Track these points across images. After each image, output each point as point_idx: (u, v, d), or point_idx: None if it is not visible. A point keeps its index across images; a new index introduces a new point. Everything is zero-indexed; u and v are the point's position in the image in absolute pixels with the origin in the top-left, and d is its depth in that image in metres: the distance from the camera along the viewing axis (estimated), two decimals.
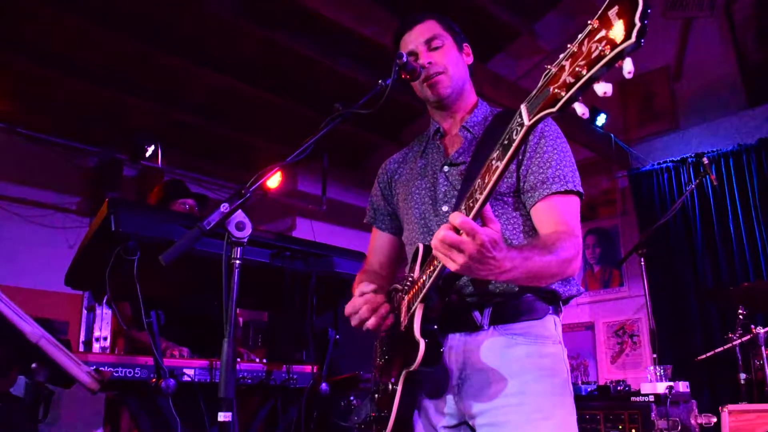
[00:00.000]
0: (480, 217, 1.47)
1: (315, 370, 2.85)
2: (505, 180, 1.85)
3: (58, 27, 5.71)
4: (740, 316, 4.39)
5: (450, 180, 1.95)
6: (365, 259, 2.37)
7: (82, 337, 6.24)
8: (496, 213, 1.84)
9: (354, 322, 1.85)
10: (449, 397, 1.85)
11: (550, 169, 1.82)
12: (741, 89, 6.38)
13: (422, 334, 1.68)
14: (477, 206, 1.45)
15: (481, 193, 1.44)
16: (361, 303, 1.82)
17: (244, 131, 7.43)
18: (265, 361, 2.82)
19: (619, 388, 4.30)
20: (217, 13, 5.72)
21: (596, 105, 6.36)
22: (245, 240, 1.73)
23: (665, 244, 6.42)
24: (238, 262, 1.73)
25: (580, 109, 1.22)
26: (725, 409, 3.81)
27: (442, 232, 1.43)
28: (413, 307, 1.73)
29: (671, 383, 4.03)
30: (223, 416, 1.62)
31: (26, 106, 6.50)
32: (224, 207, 1.69)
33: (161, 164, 6.65)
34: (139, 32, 5.91)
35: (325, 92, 6.84)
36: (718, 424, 3.89)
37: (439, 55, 2.00)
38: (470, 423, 1.82)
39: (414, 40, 2.03)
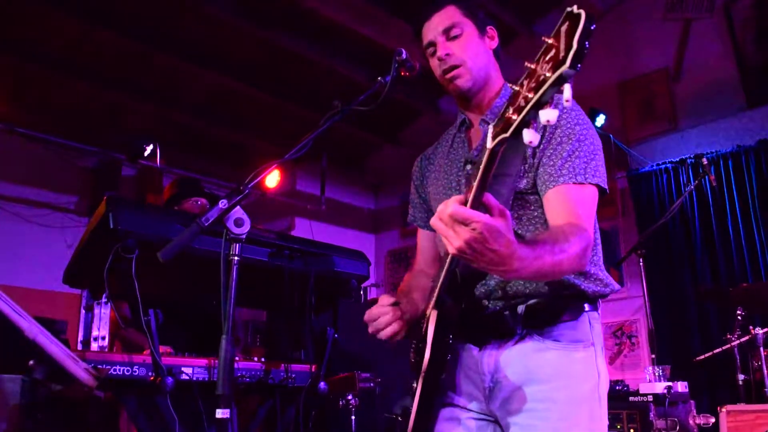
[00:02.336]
0: (483, 207, 1.35)
1: (314, 370, 2.85)
2: (524, 177, 1.77)
3: (56, 27, 5.71)
4: (739, 317, 4.39)
5: (469, 179, 1.85)
6: (413, 259, 2.28)
7: (80, 337, 6.23)
8: (517, 213, 1.78)
9: (371, 329, 1.83)
10: (480, 397, 1.84)
11: (560, 160, 1.73)
12: (740, 90, 6.37)
13: (433, 342, 1.66)
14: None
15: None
16: (378, 313, 1.80)
17: (243, 131, 7.43)
18: (263, 360, 2.81)
19: (617, 387, 4.30)
20: (215, 13, 5.72)
21: (595, 106, 6.35)
22: (244, 236, 1.73)
23: (664, 245, 6.41)
24: (236, 258, 1.73)
25: (528, 136, 1.11)
26: (723, 410, 3.81)
27: (447, 208, 1.31)
28: (428, 314, 1.71)
29: (670, 383, 4.03)
30: (221, 413, 1.61)
31: (25, 106, 6.50)
32: (223, 203, 1.68)
33: (160, 164, 6.65)
34: (137, 32, 5.91)
35: (324, 92, 6.84)
36: (716, 424, 3.89)
37: (458, 46, 1.90)
38: (499, 422, 1.81)
39: (433, 30, 1.93)
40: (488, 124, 1.87)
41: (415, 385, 1.80)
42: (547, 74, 1.03)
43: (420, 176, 2.18)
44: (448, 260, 1.56)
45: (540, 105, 1.07)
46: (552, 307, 1.76)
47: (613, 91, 7.07)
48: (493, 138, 1.21)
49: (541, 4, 7.01)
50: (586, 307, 1.79)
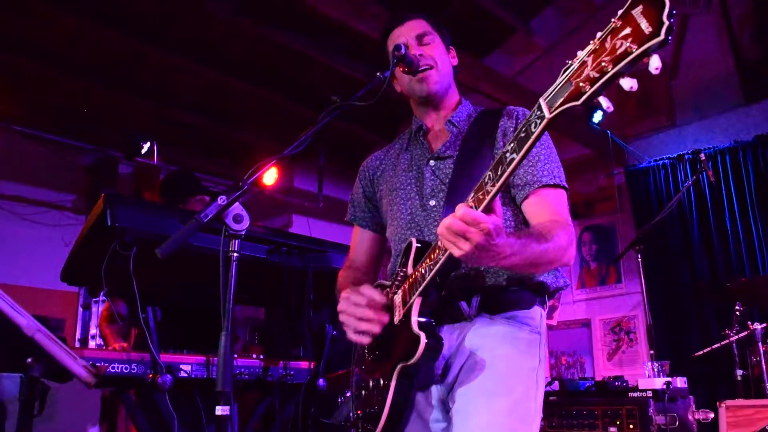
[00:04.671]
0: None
1: (312, 366, 2.85)
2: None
3: (54, 25, 5.69)
4: (737, 313, 4.39)
5: (437, 174, 1.96)
6: (347, 256, 2.33)
7: (78, 335, 6.23)
8: None
9: (342, 318, 1.83)
10: (434, 387, 1.86)
11: (539, 163, 1.86)
12: (737, 86, 6.38)
13: (420, 327, 1.68)
14: (489, 198, 1.44)
15: (493, 186, 1.44)
16: (363, 304, 1.78)
17: (241, 128, 7.42)
18: (262, 357, 2.81)
19: (617, 383, 4.30)
20: (214, 10, 5.70)
21: (592, 102, 6.33)
22: (243, 232, 1.72)
23: (662, 240, 6.41)
24: (235, 254, 1.72)
25: (605, 102, 1.27)
26: (722, 405, 3.81)
27: (449, 220, 1.43)
28: (410, 301, 1.72)
29: (669, 379, 4.03)
30: (221, 410, 1.60)
31: (23, 103, 6.48)
32: (221, 199, 1.67)
33: (157, 161, 6.64)
34: (135, 30, 5.90)
35: (322, 89, 6.82)
36: (715, 419, 3.89)
37: (430, 50, 2.03)
38: (450, 406, 1.82)
39: (405, 33, 2.06)
40: (454, 126, 2.02)
41: (385, 381, 1.78)
42: (633, 48, 1.16)
43: (370, 176, 2.26)
44: (443, 259, 1.59)
45: (620, 75, 1.21)
46: (506, 299, 1.84)
47: (611, 87, 7.05)
48: (557, 107, 1.31)
49: (537, 1, 7.01)
50: (537, 301, 1.89)
